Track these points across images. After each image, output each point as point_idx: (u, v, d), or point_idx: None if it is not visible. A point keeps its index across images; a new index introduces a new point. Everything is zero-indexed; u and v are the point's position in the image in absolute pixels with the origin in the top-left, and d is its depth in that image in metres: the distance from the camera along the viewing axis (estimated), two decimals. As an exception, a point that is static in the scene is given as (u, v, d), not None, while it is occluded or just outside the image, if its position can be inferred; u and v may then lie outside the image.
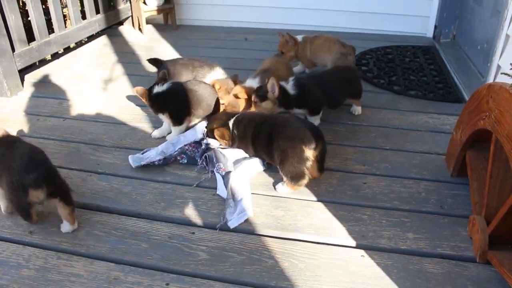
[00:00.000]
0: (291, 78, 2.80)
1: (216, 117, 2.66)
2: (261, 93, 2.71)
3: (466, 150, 2.25)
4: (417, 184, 2.35)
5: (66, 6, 4.42)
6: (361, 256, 1.89)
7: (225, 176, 2.32)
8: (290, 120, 2.37)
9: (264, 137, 2.35)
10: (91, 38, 4.72)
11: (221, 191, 2.27)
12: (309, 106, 2.81)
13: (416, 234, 2.00)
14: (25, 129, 2.92)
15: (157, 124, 2.89)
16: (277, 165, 2.30)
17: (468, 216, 2.03)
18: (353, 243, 1.95)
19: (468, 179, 2.18)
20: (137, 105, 3.22)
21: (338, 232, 2.02)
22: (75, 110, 3.18)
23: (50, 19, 4.00)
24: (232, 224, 2.05)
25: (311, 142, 2.17)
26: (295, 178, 2.21)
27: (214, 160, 2.43)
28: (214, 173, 2.39)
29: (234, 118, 2.54)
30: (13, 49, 3.42)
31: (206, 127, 2.66)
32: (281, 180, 2.30)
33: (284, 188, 2.28)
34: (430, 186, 2.34)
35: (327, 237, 1.98)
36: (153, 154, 2.54)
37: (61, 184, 2.00)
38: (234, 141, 2.52)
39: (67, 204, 1.99)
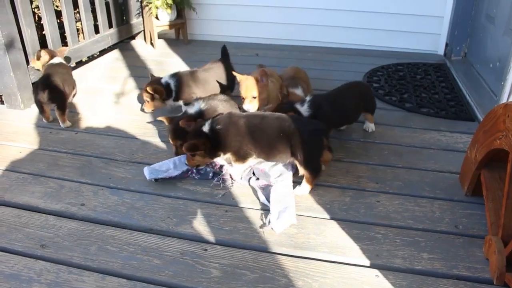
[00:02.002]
0: (308, 99, 2.72)
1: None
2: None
3: (481, 170, 2.23)
4: (431, 203, 2.33)
5: (79, 20, 4.47)
6: (376, 276, 1.86)
7: (266, 188, 2.41)
8: (288, 117, 2.45)
9: (270, 135, 2.37)
10: (103, 52, 4.76)
11: (263, 199, 2.34)
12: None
13: (431, 254, 1.97)
14: (38, 142, 2.93)
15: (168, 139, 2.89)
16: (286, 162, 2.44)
17: (484, 236, 2.01)
18: (367, 263, 1.93)
19: (483, 199, 2.16)
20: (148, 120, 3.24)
21: (352, 251, 1.99)
22: (87, 124, 3.20)
23: (64, 33, 4.04)
24: (277, 228, 2.10)
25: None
26: (317, 170, 2.35)
27: (256, 176, 2.50)
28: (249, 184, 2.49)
29: (209, 122, 2.44)
30: (27, 62, 3.46)
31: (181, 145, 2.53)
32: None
33: (304, 187, 2.34)
34: (444, 205, 2.31)
35: (340, 256, 1.96)
36: (171, 169, 2.55)
37: (57, 96, 3.11)
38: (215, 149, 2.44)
39: (58, 108, 3.11)
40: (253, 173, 2.51)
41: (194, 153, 2.37)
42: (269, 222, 2.14)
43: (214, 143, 2.39)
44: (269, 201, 2.26)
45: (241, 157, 2.43)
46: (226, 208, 2.28)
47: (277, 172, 2.50)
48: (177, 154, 2.68)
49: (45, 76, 3.20)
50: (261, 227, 2.15)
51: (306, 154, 2.31)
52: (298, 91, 3.20)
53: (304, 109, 2.66)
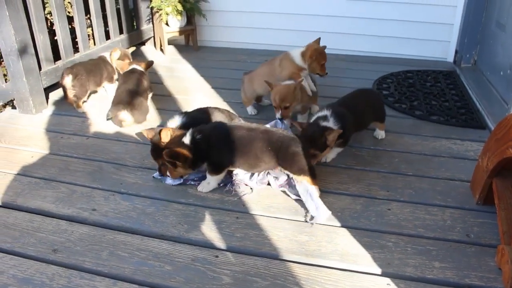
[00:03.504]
0: (329, 113, 2.59)
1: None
2: (321, 143, 2.48)
3: (493, 178, 2.22)
4: (442, 212, 2.32)
5: (90, 26, 4.51)
6: (387, 284, 1.85)
7: (290, 184, 2.46)
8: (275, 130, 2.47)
9: (257, 147, 2.35)
10: (113, 57, 4.79)
11: (294, 195, 2.41)
12: (343, 137, 2.61)
13: (443, 263, 1.96)
14: (49, 146, 2.96)
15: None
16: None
17: (496, 245, 2.00)
18: (379, 271, 1.93)
19: (495, 207, 2.15)
20: (158, 126, 3.24)
21: (363, 259, 1.99)
22: (97, 129, 3.22)
23: (75, 38, 4.08)
24: (320, 218, 2.21)
25: None
26: (313, 174, 2.36)
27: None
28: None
29: (190, 132, 2.41)
30: (39, 68, 3.49)
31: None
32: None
33: (312, 188, 2.33)
34: (455, 214, 2.30)
35: (352, 264, 1.96)
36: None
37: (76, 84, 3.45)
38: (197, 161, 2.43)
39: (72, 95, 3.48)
40: (268, 174, 2.53)
41: (175, 162, 2.36)
42: (311, 217, 2.23)
43: (195, 153, 2.37)
44: (299, 196, 2.35)
45: (216, 168, 2.44)
46: (237, 215, 2.28)
47: None
48: (160, 172, 2.58)
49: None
50: (306, 220, 2.25)
51: (299, 164, 2.32)
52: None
53: (332, 124, 2.55)
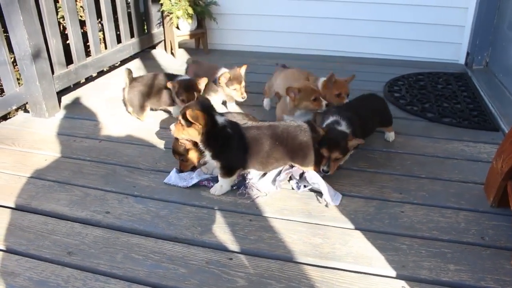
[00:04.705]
0: (340, 118, 2.58)
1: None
2: (344, 147, 2.45)
3: (508, 181, 2.21)
4: (456, 214, 2.31)
5: (102, 30, 4.54)
6: (402, 287, 1.85)
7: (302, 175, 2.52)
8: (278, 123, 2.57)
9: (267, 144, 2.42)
10: (124, 61, 4.82)
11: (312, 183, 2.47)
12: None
13: (458, 265, 1.95)
14: (62, 150, 2.98)
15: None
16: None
17: (511, 248, 1.99)
18: (393, 273, 1.92)
19: (509, 210, 2.14)
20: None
21: (377, 261, 1.98)
22: (110, 132, 3.24)
23: (87, 42, 4.11)
24: (335, 201, 2.37)
25: None
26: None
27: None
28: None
29: (224, 119, 2.42)
30: (52, 72, 3.52)
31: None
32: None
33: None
34: (469, 216, 2.29)
35: (366, 267, 1.95)
36: (187, 179, 2.58)
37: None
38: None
39: None
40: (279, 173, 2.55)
41: (191, 124, 2.30)
42: (325, 201, 2.38)
43: (215, 138, 2.37)
44: (312, 183, 2.45)
45: (228, 171, 2.45)
46: (250, 217, 2.28)
47: None
48: (180, 170, 2.67)
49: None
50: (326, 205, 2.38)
51: (310, 156, 2.43)
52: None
53: (345, 128, 2.54)
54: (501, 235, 2.14)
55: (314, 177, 2.44)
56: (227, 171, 2.44)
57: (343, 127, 2.54)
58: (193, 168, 2.68)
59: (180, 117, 2.34)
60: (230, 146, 2.39)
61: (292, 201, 2.42)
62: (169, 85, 3.24)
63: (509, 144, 2.14)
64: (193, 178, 2.56)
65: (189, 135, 2.37)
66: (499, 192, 2.29)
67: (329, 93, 3.07)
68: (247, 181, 2.52)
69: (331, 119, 2.61)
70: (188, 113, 2.24)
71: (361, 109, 2.81)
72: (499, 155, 2.26)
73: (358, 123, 2.64)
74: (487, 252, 2.04)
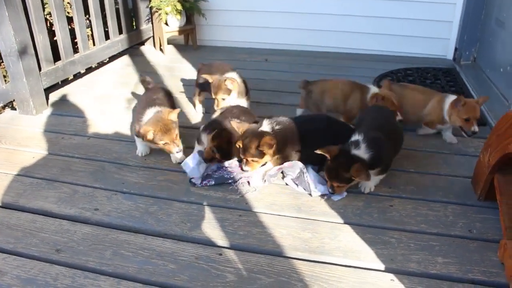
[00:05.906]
0: (360, 138, 2.30)
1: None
2: (344, 176, 2.26)
3: (494, 174, 2.23)
4: (444, 207, 2.33)
5: (89, 27, 4.51)
6: (391, 280, 1.86)
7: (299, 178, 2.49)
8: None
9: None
10: (112, 58, 4.80)
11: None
12: (381, 165, 2.36)
13: (446, 258, 1.97)
14: (50, 147, 2.95)
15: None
16: None
17: (498, 240, 2.01)
18: (382, 267, 1.93)
19: (497, 203, 2.16)
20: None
21: (366, 255, 1.99)
22: (99, 129, 3.22)
23: (74, 39, 4.08)
24: (316, 194, 2.40)
25: None
26: None
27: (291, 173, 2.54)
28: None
29: (266, 123, 2.51)
30: (39, 68, 3.49)
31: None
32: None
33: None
34: (457, 210, 2.31)
35: (355, 260, 1.96)
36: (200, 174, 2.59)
37: None
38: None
39: None
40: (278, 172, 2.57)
41: (263, 152, 2.41)
42: (325, 195, 2.40)
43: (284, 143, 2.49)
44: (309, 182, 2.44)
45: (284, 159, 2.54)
46: (239, 213, 2.28)
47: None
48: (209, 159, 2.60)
49: None
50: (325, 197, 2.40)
51: None
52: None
53: (363, 151, 2.28)
54: (488, 227, 2.17)
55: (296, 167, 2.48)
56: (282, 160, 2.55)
57: (361, 150, 2.27)
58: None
59: (247, 157, 2.44)
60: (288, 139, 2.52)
61: (281, 196, 2.43)
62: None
63: (495, 137, 2.16)
64: (211, 180, 2.53)
65: (264, 161, 2.50)
66: (486, 185, 2.31)
67: (455, 116, 2.84)
68: (240, 176, 2.51)
69: (352, 139, 2.35)
70: (263, 147, 2.38)
71: (386, 124, 2.59)
72: (486, 149, 2.28)
73: (387, 143, 2.38)
74: (475, 244, 2.06)
